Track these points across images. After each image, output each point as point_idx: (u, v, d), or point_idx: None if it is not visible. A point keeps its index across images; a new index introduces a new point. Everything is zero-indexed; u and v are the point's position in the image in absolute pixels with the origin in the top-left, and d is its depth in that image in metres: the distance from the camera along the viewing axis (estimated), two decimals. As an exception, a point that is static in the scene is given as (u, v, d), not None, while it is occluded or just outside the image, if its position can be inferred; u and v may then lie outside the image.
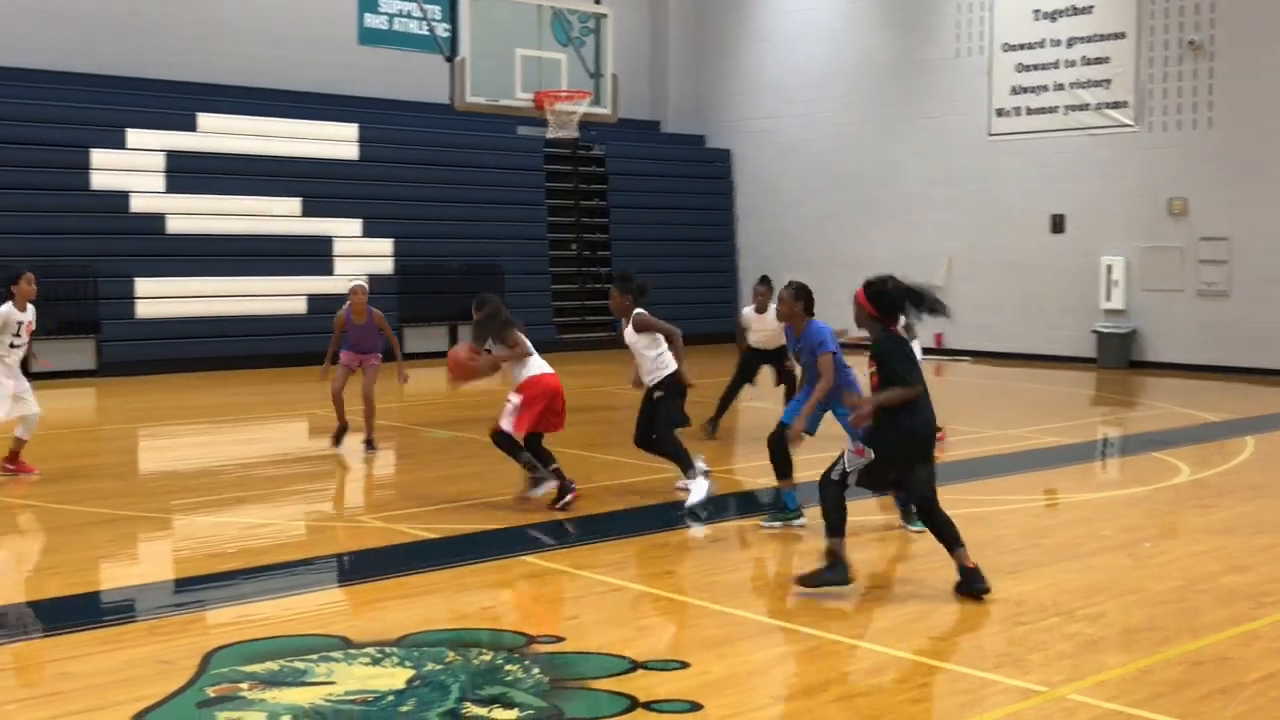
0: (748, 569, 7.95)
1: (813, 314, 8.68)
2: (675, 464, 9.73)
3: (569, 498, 9.32)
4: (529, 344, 9.42)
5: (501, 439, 9.24)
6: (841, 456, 7.13)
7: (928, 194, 23.74)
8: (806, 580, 7.06)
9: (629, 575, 7.69)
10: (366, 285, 12.59)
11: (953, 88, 23.28)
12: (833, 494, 7.11)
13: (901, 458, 7.05)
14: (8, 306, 10.43)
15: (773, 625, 6.60)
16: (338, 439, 12.36)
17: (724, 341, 25.93)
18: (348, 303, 12.28)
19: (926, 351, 22.85)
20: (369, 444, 12.33)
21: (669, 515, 9.50)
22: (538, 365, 9.35)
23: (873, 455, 6.96)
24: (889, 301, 7.37)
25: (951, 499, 9.95)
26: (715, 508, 9.55)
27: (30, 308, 10.58)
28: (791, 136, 25.93)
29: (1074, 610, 6.84)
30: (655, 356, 9.86)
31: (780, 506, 8.90)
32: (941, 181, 23.52)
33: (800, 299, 8.63)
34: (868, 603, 7.00)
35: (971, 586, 6.97)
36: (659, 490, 10.35)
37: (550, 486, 9.34)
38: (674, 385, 9.79)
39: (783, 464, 8.84)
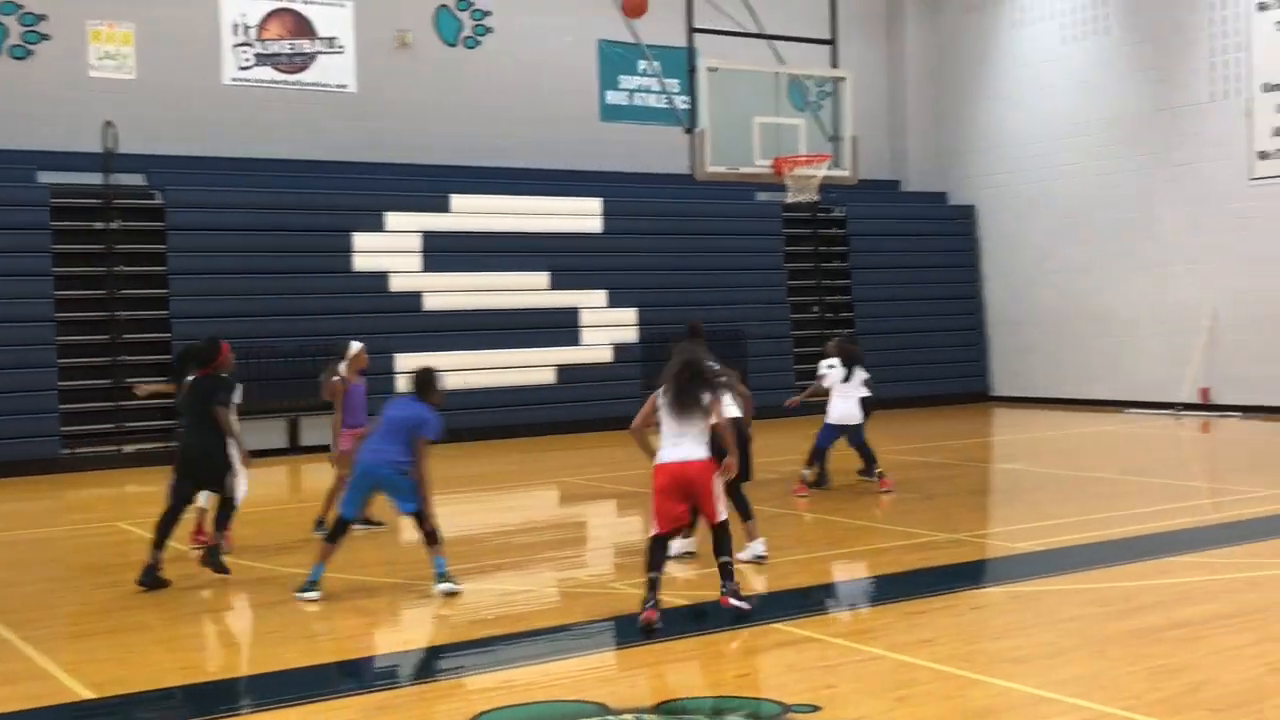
0: (1010, 637, 7.68)
1: None
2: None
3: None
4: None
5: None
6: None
7: (1186, 243, 22.75)
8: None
9: (886, 643, 7.53)
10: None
11: (1209, 132, 22.31)
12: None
13: None
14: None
15: (1039, 696, 6.36)
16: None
17: (974, 401, 25.38)
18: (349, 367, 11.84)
19: (1192, 407, 21.91)
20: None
21: (926, 581, 9.30)
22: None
23: None
24: None
25: (1224, 563, 9.47)
26: (968, 575, 9.29)
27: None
28: (1037, 190, 25.29)
29: (1370, 682, 6.38)
30: None
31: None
32: (1201, 230, 22.51)
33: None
34: (1140, 672, 6.68)
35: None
36: (912, 555, 10.14)
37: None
38: None
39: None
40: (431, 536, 9.26)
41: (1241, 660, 6.87)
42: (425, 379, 9.40)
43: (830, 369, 13.64)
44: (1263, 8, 21.49)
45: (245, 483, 10.28)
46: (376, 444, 9.22)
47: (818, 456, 13.64)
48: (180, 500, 9.82)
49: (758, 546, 9.84)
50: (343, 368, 11.96)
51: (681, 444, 8.26)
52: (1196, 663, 6.78)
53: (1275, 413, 21.01)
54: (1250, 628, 7.50)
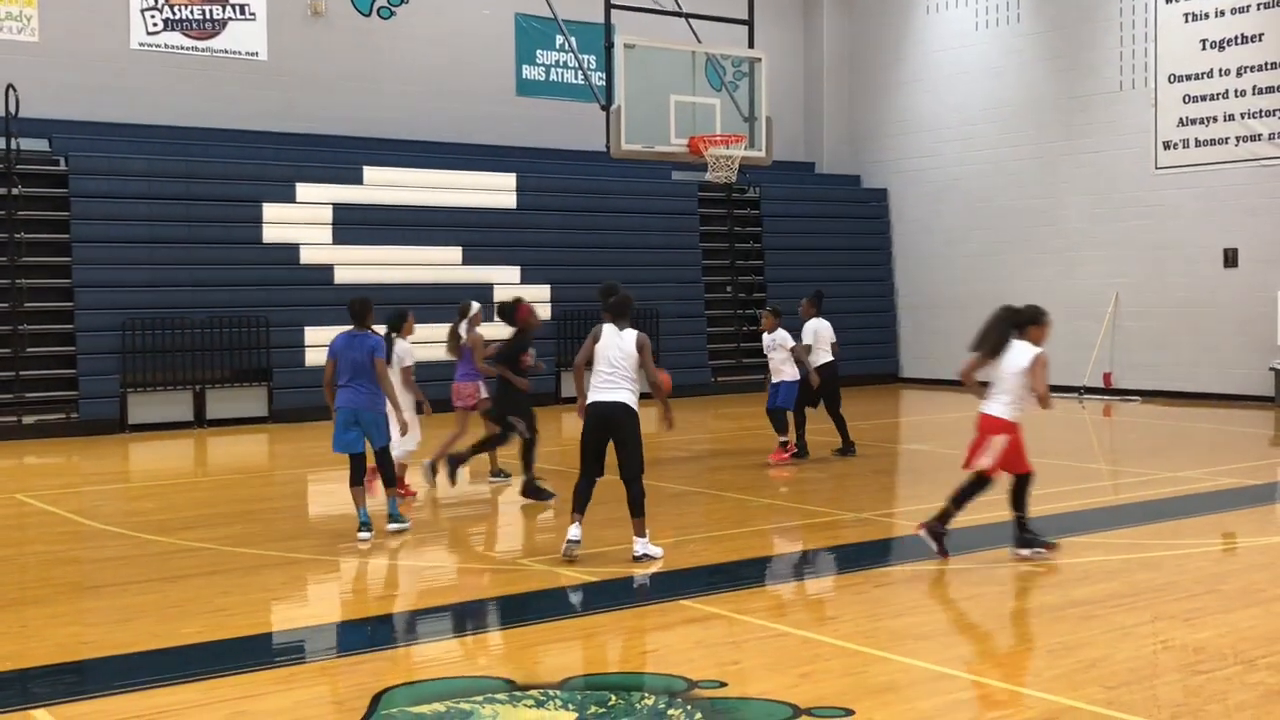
0: (912, 615, 7.80)
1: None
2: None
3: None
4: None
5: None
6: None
7: (1092, 230, 23.18)
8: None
9: (792, 620, 7.62)
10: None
11: (1117, 121, 22.73)
12: None
13: None
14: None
15: (939, 672, 6.47)
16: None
17: (884, 382, 25.67)
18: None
19: (1095, 391, 22.35)
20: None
21: (832, 559, 9.40)
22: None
23: None
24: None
25: (1124, 543, 9.69)
26: (872, 554, 9.40)
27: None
28: (949, 175, 25.61)
29: (1256, 659, 6.56)
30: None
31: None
32: (1106, 217, 22.95)
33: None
34: (1037, 649, 6.82)
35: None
36: (819, 534, 10.25)
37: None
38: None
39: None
40: (389, 478, 10.29)
41: (1135, 638, 7.04)
42: (360, 306, 10.36)
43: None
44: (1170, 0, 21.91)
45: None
46: (351, 387, 10.19)
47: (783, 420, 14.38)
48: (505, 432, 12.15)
49: (639, 546, 9.11)
50: (464, 326, 13.00)
51: (988, 397, 9.42)
52: (1092, 640, 6.93)
53: (1173, 397, 21.53)
54: (1144, 607, 7.68)
